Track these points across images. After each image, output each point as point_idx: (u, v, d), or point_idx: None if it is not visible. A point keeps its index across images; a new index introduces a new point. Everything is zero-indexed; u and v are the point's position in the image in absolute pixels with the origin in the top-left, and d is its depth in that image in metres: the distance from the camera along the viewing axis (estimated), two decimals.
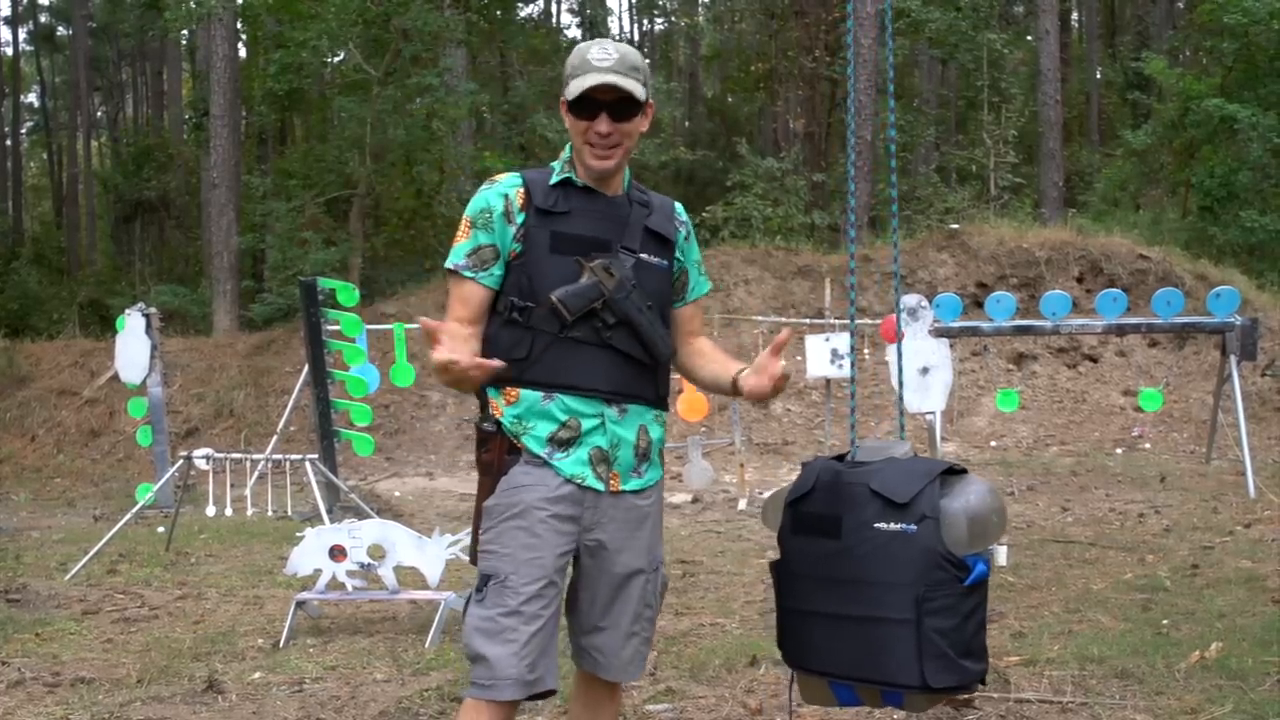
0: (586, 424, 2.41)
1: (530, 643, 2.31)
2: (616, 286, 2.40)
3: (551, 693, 2.40)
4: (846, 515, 2.45)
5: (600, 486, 2.42)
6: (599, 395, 2.42)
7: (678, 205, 2.64)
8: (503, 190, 2.46)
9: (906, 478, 2.42)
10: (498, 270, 2.44)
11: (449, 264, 2.47)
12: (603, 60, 2.40)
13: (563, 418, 2.40)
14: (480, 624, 2.33)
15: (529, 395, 2.41)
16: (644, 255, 2.49)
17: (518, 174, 2.52)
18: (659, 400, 2.55)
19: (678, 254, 2.58)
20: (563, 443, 2.40)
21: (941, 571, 2.35)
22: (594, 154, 2.43)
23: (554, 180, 2.48)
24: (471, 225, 2.46)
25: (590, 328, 2.40)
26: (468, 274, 2.44)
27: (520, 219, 2.43)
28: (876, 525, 2.40)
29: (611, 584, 2.47)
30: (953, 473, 2.48)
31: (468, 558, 2.60)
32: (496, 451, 2.43)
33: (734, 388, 2.52)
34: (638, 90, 2.42)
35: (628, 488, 2.46)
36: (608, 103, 2.40)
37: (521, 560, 2.34)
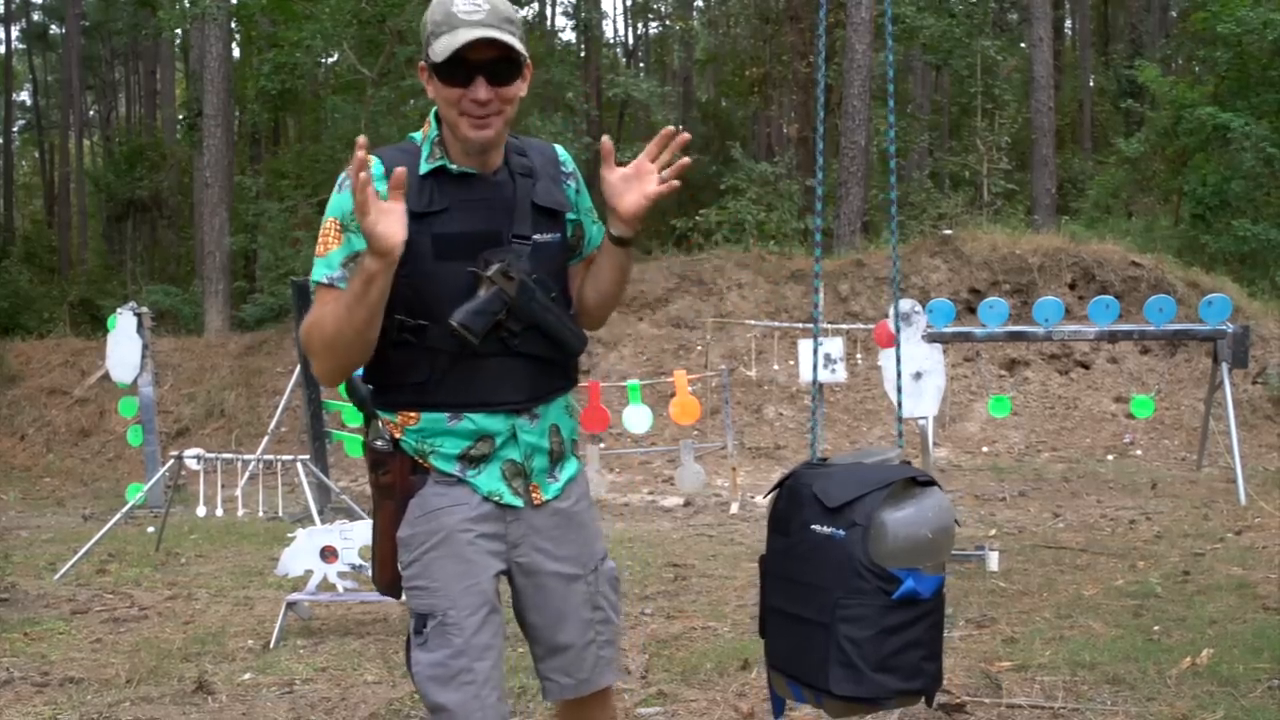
0: (500, 438, 2.19)
1: (489, 679, 2.13)
2: (519, 290, 2.13)
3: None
4: (794, 515, 2.47)
5: (519, 502, 2.22)
6: (511, 408, 2.19)
7: (559, 151, 2.32)
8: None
9: (850, 483, 2.40)
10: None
11: (318, 277, 2.12)
12: (472, 13, 2.05)
13: (472, 436, 2.18)
14: (430, 671, 2.12)
15: (432, 417, 2.17)
16: (537, 236, 2.20)
17: (374, 158, 2.11)
18: (572, 380, 2.32)
19: (571, 214, 2.30)
20: (474, 460, 2.18)
21: (862, 580, 2.32)
22: (471, 124, 2.11)
23: (423, 171, 2.15)
24: (343, 229, 2.13)
25: (496, 340, 2.14)
26: (344, 286, 2.09)
27: None
28: (813, 527, 2.41)
29: (551, 600, 2.27)
30: (918, 483, 2.43)
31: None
32: (398, 473, 2.18)
33: (611, 237, 2.25)
34: (517, 45, 2.09)
35: (549, 495, 2.26)
36: (483, 63, 2.07)
37: (457, 591, 2.13)
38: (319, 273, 2.13)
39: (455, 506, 2.17)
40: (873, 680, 2.33)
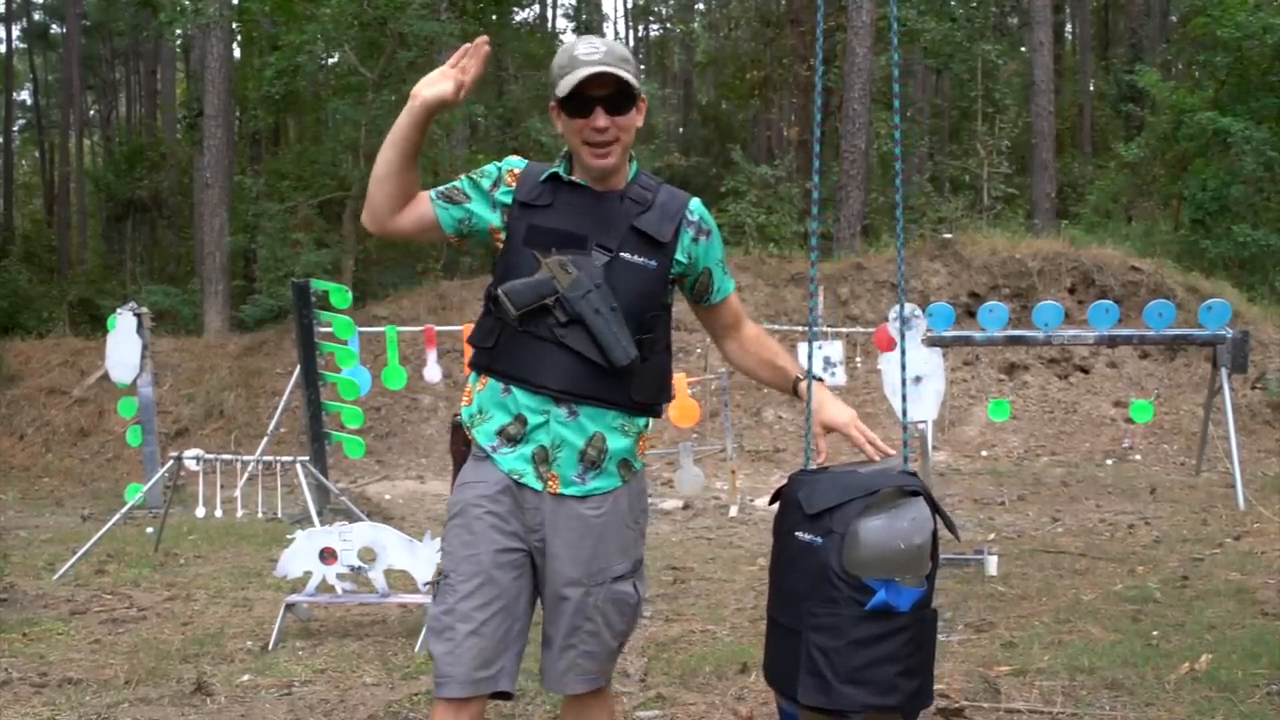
0: (533, 420, 2.38)
1: (467, 641, 2.28)
2: (572, 284, 2.34)
3: (506, 695, 2.36)
4: (783, 521, 2.44)
5: (538, 486, 2.38)
6: (548, 393, 2.37)
7: (692, 203, 2.51)
8: (503, 165, 2.49)
9: (833, 490, 2.34)
10: (455, 213, 2.44)
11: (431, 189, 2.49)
12: (591, 54, 2.33)
13: (514, 412, 2.39)
14: (430, 622, 2.38)
15: (493, 384, 2.42)
16: (624, 254, 2.39)
17: (524, 160, 2.52)
18: (633, 405, 2.44)
19: (681, 255, 2.47)
20: (511, 438, 2.39)
21: (834, 589, 2.27)
22: (592, 153, 2.37)
23: (545, 175, 2.44)
24: (465, 175, 2.50)
25: (544, 324, 2.36)
26: (433, 194, 2.46)
27: (501, 193, 2.44)
28: (796, 533, 2.37)
29: (551, 592, 2.42)
30: (905, 493, 2.36)
31: None
32: (457, 443, 2.48)
33: (795, 391, 2.62)
34: (630, 79, 2.35)
35: (567, 492, 2.38)
36: (602, 97, 2.34)
37: (460, 559, 2.35)
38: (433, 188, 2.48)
39: (477, 483, 2.39)
40: (841, 692, 2.26)
